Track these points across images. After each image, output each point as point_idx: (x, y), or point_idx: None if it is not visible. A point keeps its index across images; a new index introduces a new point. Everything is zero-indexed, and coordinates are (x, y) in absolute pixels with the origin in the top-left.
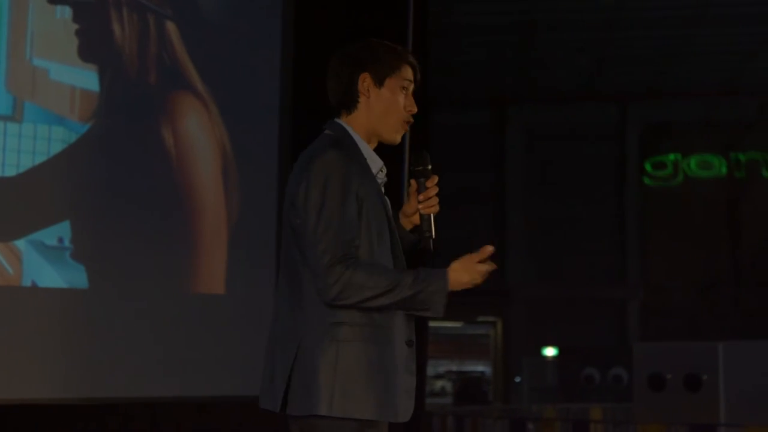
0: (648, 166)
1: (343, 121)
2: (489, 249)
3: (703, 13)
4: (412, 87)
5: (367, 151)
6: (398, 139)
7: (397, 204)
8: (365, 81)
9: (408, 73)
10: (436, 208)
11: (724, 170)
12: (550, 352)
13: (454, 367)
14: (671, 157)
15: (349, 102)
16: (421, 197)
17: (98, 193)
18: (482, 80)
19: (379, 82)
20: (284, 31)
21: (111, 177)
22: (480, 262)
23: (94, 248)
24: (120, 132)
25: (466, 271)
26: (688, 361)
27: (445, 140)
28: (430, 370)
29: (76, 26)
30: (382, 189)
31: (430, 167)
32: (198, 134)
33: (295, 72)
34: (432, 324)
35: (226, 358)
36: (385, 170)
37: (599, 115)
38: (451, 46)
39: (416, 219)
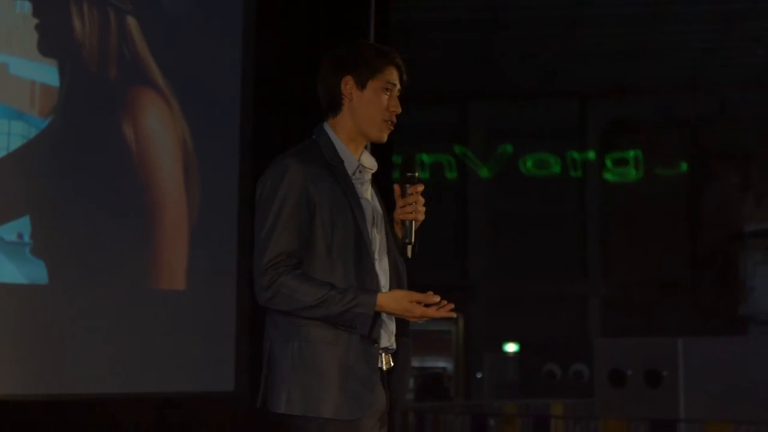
0: (608, 163)
1: (327, 124)
2: (433, 298)
3: (664, 10)
4: (397, 88)
5: (345, 153)
6: (384, 137)
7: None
8: (348, 84)
9: (392, 74)
10: (418, 216)
11: (684, 167)
12: (511, 348)
13: (416, 363)
14: (631, 153)
15: (334, 105)
16: (401, 202)
17: (58, 189)
18: (443, 77)
19: (361, 85)
20: (246, 26)
21: (71, 172)
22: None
23: (54, 244)
24: (80, 127)
25: (397, 302)
26: (649, 357)
27: (406, 137)
28: None
29: (35, 21)
30: (365, 189)
31: (417, 174)
32: (159, 130)
33: (257, 67)
34: None
35: (186, 354)
36: (367, 170)
37: (560, 112)
38: (412, 43)
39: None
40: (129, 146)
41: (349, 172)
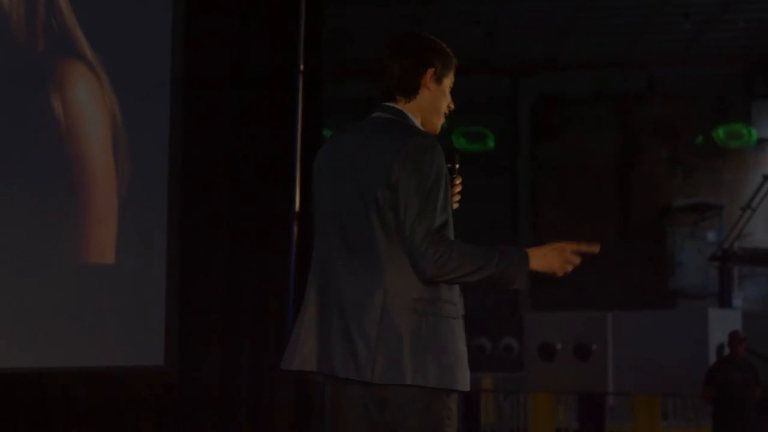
0: (538, 138)
1: (401, 107)
2: (595, 248)
3: None
4: None
5: None
6: (439, 129)
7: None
8: (429, 75)
9: (453, 75)
10: (457, 205)
11: (613, 142)
12: None
13: None
14: (561, 128)
15: (409, 90)
16: None
17: None
18: (374, 51)
19: (438, 80)
20: None
21: None
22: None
23: None
24: (8, 100)
25: (551, 259)
26: (578, 330)
27: (338, 112)
28: None
29: None
30: None
31: (458, 166)
32: (88, 103)
33: (187, 41)
34: None
35: (116, 328)
36: None
37: (491, 87)
38: (344, 17)
39: None
40: (57, 119)
41: None
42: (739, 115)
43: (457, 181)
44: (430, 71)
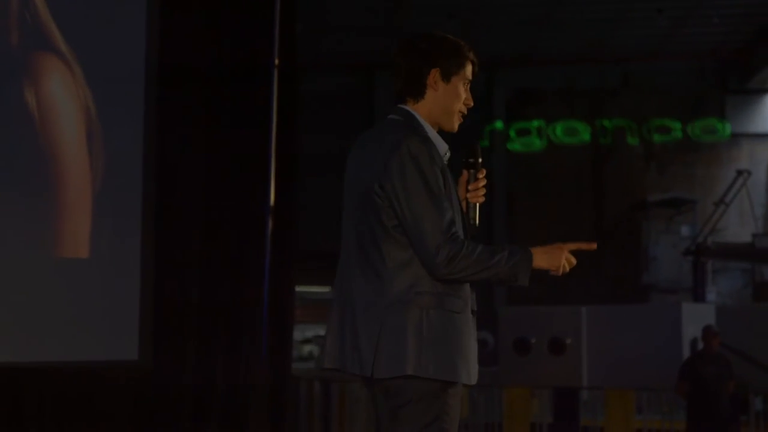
0: (512, 132)
1: (411, 108)
2: (593, 246)
3: None
4: (470, 81)
5: (433, 134)
6: (456, 127)
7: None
8: (434, 76)
9: (469, 70)
10: (483, 198)
11: (588, 137)
12: None
13: (322, 332)
14: (536, 123)
15: (416, 92)
16: (471, 187)
17: None
18: (351, 45)
19: (446, 78)
20: None
21: None
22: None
23: None
24: None
25: (552, 258)
26: (553, 325)
27: (313, 104)
28: (298, 335)
29: None
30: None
31: (480, 160)
32: (62, 96)
33: (162, 34)
34: (299, 289)
35: (90, 322)
36: (449, 154)
37: None
38: (319, 10)
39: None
40: (31, 112)
41: (441, 153)
42: (713, 110)
43: (481, 175)
44: (434, 71)
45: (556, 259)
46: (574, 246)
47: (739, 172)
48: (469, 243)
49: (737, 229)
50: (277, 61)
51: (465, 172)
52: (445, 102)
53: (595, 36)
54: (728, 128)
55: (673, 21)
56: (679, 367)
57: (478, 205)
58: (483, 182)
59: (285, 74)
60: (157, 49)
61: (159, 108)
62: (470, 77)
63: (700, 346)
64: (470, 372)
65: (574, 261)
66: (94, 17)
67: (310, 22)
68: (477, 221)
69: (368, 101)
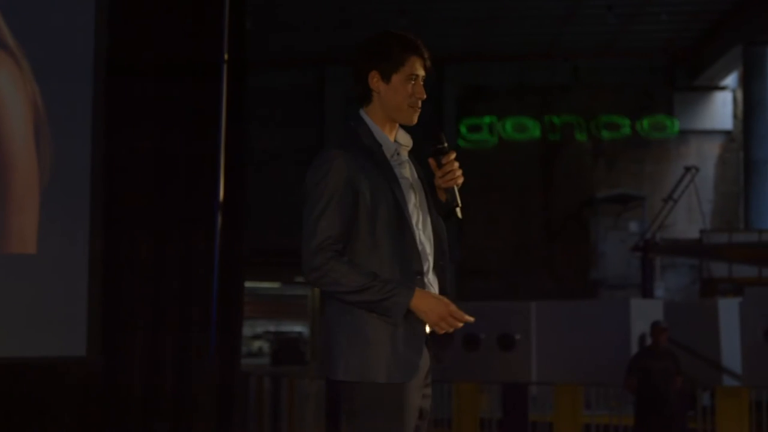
0: (463, 128)
1: (363, 111)
2: (470, 319)
3: None
4: (422, 76)
5: (383, 137)
6: (414, 120)
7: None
8: (374, 78)
9: (414, 65)
10: (457, 180)
11: (537, 133)
12: None
13: (272, 328)
14: (486, 119)
15: (364, 96)
16: (439, 173)
17: None
18: (301, 41)
19: (386, 79)
20: None
21: None
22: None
23: None
24: None
25: (432, 308)
26: (502, 320)
27: (265, 100)
28: (248, 331)
29: None
30: (404, 167)
31: (446, 145)
32: (8, 91)
33: (110, 29)
34: (249, 285)
35: (38, 319)
36: (403, 149)
37: None
38: (269, 6)
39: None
40: None
41: (388, 155)
42: (661, 106)
43: (446, 160)
44: (373, 74)
45: (435, 312)
46: (457, 314)
47: (687, 169)
48: (345, 263)
49: (685, 225)
50: (226, 57)
51: (431, 161)
52: (390, 101)
53: (545, 32)
54: (676, 125)
55: (623, 18)
56: (627, 363)
57: (455, 188)
58: (450, 166)
59: (235, 70)
60: (105, 44)
61: (107, 104)
62: (417, 72)
63: (649, 341)
64: (392, 370)
65: (459, 325)
66: (43, 12)
67: (260, 18)
68: (458, 201)
69: (319, 97)
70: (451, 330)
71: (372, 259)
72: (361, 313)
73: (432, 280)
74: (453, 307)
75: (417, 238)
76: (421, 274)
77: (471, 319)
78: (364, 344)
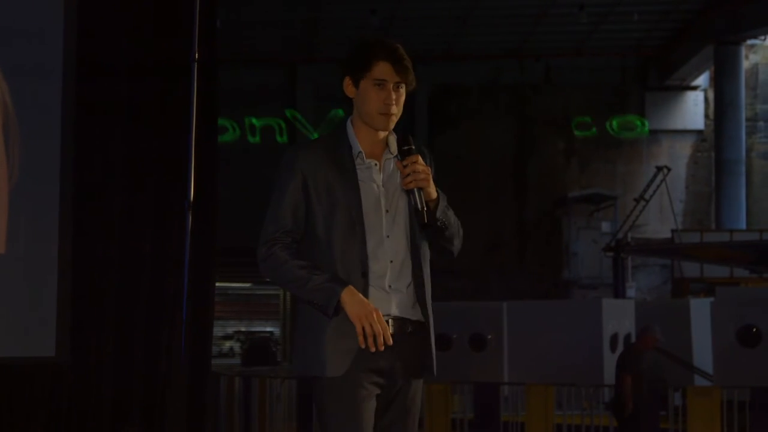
0: (435, 128)
1: (350, 117)
2: (385, 335)
3: None
4: (392, 81)
5: (353, 141)
6: (388, 126)
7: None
8: (348, 85)
9: (380, 71)
10: (420, 183)
11: (509, 133)
12: None
13: (243, 328)
14: (458, 118)
15: (346, 101)
16: (402, 175)
17: None
18: (273, 40)
19: (356, 85)
20: None
21: None
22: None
23: None
24: None
25: (355, 309)
26: (473, 320)
27: (235, 97)
28: (219, 331)
29: None
30: (374, 172)
31: (412, 147)
32: None
33: (80, 28)
34: (220, 284)
35: (6, 319)
36: (363, 156)
37: None
38: (240, 4)
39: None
40: None
41: (354, 159)
42: (633, 106)
43: (407, 162)
44: (346, 81)
45: (359, 313)
46: (378, 323)
47: (659, 169)
48: (283, 257)
49: (657, 225)
50: (197, 56)
51: (398, 164)
52: (361, 107)
53: (517, 31)
54: (648, 125)
55: (595, 18)
56: (618, 362)
57: (416, 190)
58: (411, 168)
59: (205, 69)
60: (74, 43)
61: (77, 102)
62: (383, 77)
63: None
64: (339, 364)
65: (373, 330)
66: (10, 10)
67: (232, 17)
68: (424, 206)
69: (290, 96)
70: (370, 330)
71: (324, 257)
72: (309, 309)
73: (396, 287)
74: (375, 316)
75: (371, 241)
76: (366, 276)
77: (389, 340)
78: (309, 339)
